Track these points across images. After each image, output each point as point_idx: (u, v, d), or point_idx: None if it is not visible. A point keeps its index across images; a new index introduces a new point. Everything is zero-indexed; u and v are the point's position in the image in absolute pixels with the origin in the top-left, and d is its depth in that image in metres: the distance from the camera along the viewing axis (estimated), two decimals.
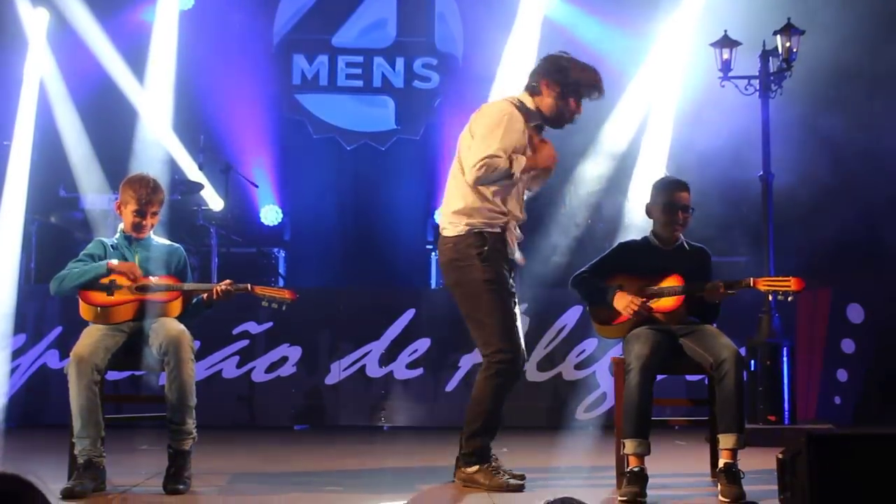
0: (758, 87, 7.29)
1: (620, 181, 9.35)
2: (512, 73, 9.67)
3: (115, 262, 4.98)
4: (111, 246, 5.11)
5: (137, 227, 5.08)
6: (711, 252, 5.25)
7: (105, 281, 4.94)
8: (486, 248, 4.90)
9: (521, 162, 4.83)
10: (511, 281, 5.01)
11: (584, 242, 9.13)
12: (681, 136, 9.22)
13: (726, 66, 7.32)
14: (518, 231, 5.06)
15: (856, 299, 7.95)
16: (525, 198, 5.10)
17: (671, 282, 4.95)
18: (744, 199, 8.82)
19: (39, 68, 9.34)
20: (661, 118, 9.48)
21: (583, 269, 5.18)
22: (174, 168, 9.73)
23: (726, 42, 7.34)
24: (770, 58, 7.27)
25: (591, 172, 9.27)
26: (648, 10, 9.28)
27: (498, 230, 4.95)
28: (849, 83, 8.70)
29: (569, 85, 4.92)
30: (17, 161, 8.98)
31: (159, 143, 9.70)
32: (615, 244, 5.33)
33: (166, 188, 5.43)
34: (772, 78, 7.25)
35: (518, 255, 5.09)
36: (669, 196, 5.08)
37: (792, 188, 8.10)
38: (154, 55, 9.77)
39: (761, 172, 7.27)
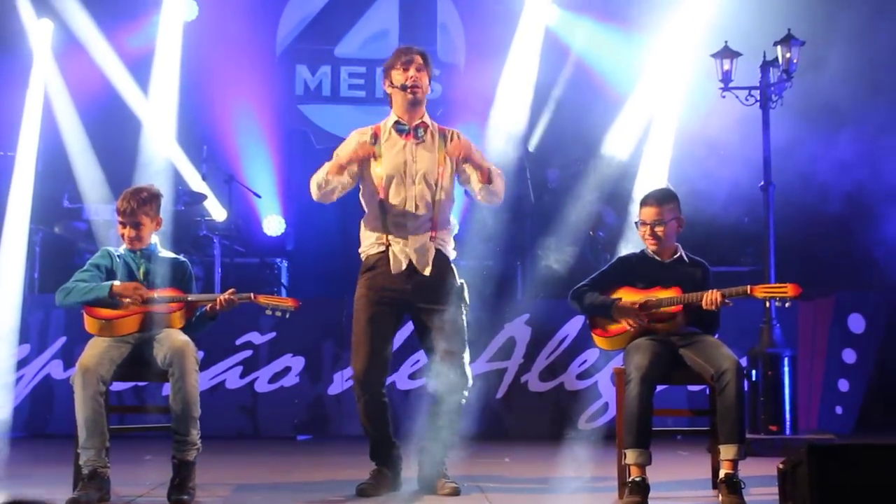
0: (758, 98, 7.32)
1: (622, 191, 9.37)
2: (513, 83, 9.70)
3: (118, 284, 5.00)
4: (117, 256, 5.14)
5: (124, 238, 5.13)
6: (712, 263, 5.28)
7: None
8: (360, 270, 5.13)
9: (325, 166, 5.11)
10: (403, 295, 5.03)
11: (585, 253, 9.15)
12: (682, 146, 9.24)
13: (727, 77, 7.35)
14: (422, 243, 5.04)
15: (857, 309, 7.96)
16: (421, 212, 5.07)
17: (669, 293, 4.98)
18: (745, 210, 8.83)
19: (44, 79, 9.37)
20: (663, 128, 9.49)
21: (582, 283, 5.21)
22: (177, 179, 9.75)
23: (727, 53, 7.37)
24: (770, 68, 7.30)
25: (594, 182, 9.27)
26: (650, 22, 9.30)
27: (373, 252, 5.08)
28: (850, 92, 8.71)
29: (384, 71, 5.22)
30: (22, 172, 9.00)
31: (163, 154, 9.74)
32: (615, 257, 5.36)
33: (169, 199, 5.45)
34: (772, 88, 7.28)
35: (429, 270, 5.06)
36: (639, 211, 5.15)
37: (794, 199, 8.12)
38: (158, 66, 9.79)
39: (762, 183, 7.29)
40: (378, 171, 5.09)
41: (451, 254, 5.19)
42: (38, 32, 9.34)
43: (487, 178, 5.09)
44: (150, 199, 5.12)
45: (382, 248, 5.06)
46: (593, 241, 9.37)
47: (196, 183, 9.80)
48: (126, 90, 9.74)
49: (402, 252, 5.03)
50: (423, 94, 5.13)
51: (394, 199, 5.05)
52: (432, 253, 5.06)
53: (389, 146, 5.12)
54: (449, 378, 5.02)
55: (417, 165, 5.07)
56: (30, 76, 9.29)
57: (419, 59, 5.12)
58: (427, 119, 5.19)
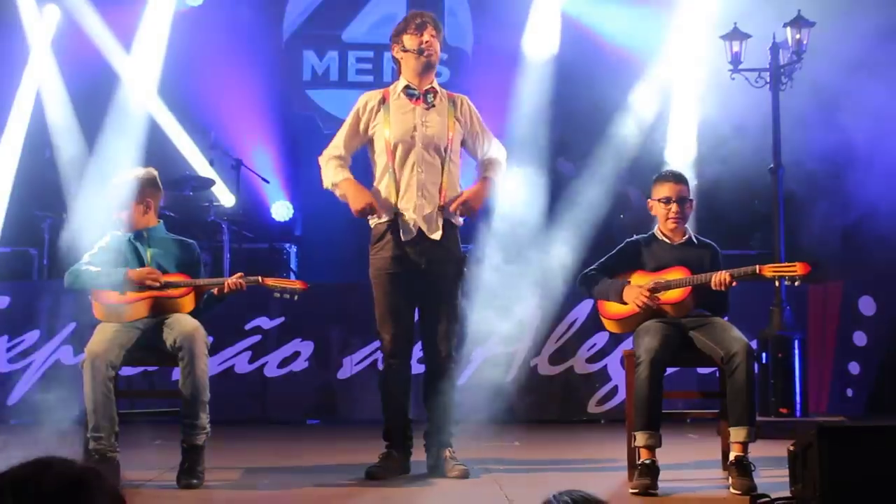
0: (768, 80, 7.27)
1: (644, 173, 9.28)
2: (524, 65, 9.62)
3: (133, 271, 4.99)
4: (125, 240, 5.13)
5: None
6: (722, 246, 5.26)
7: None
8: (371, 240, 5.13)
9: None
10: (421, 262, 5.03)
11: (605, 235, 9.06)
12: (692, 128, 9.18)
13: (736, 59, 7.31)
14: (430, 209, 5.04)
15: (867, 292, 7.93)
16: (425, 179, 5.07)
17: (678, 274, 4.96)
18: (756, 192, 8.79)
19: (45, 65, 9.42)
20: (680, 110, 9.41)
21: (591, 267, 5.20)
22: (185, 165, 9.75)
23: (736, 35, 7.33)
24: (780, 50, 7.26)
25: (610, 166, 9.17)
26: (664, 4, 9.22)
27: (382, 220, 5.07)
28: (859, 73, 8.64)
29: (394, 37, 5.22)
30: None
31: (169, 140, 9.75)
32: (623, 242, 5.33)
33: (166, 184, 5.44)
34: (782, 70, 7.23)
35: (436, 235, 5.06)
36: (659, 189, 5.11)
37: (804, 181, 8.08)
38: (161, 52, 9.77)
39: (772, 165, 7.25)
40: (386, 135, 5.09)
41: (460, 222, 5.20)
42: (43, 19, 9.37)
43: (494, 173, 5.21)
44: (134, 185, 5.12)
45: (391, 217, 5.05)
46: (617, 223, 9.27)
47: (204, 169, 9.80)
48: (131, 75, 9.69)
49: (410, 219, 5.03)
50: (436, 58, 5.14)
51: (401, 165, 5.05)
52: (441, 221, 5.06)
53: (398, 111, 5.12)
54: (445, 356, 5.06)
55: (426, 131, 5.07)
56: (28, 63, 9.39)
57: (432, 23, 5.13)
58: (436, 85, 5.19)
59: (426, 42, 5.08)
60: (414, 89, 5.14)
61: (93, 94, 9.46)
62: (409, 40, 5.12)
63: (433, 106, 5.13)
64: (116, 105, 9.24)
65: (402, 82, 5.18)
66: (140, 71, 9.57)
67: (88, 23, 9.55)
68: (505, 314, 7.67)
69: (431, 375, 5.13)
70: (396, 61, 5.25)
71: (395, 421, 5.14)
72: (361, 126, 5.20)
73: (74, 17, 9.53)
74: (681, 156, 9.04)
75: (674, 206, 5.07)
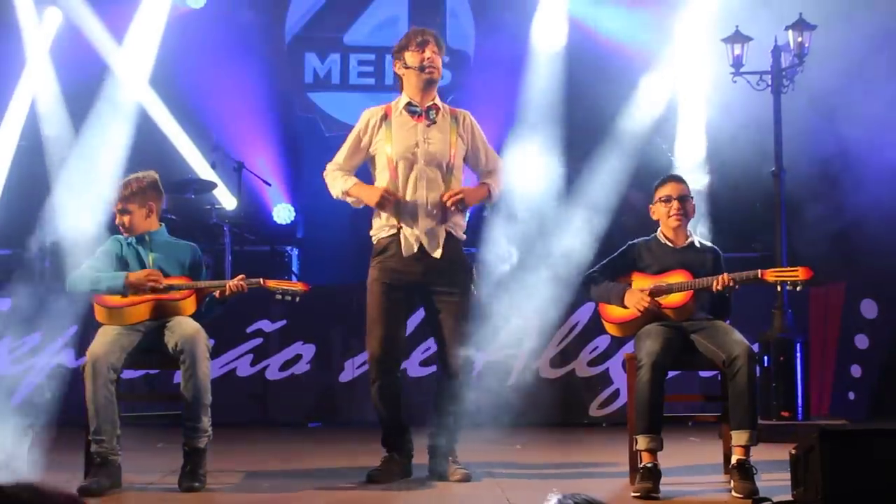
0: (770, 83, 7.27)
1: (647, 176, 9.25)
2: (528, 68, 9.62)
3: (132, 274, 5.00)
4: (126, 244, 5.14)
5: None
6: (724, 248, 5.26)
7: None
8: (372, 254, 5.14)
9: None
10: (421, 277, 5.04)
11: (607, 238, 9.04)
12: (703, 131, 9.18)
13: (738, 62, 7.31)
14: (432, 224, 5.04)
15: (869, 294, 7.92)
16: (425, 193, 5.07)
17: (679, 277, 4.97)
18: (757, 196, 8.78)
19: (42, 67, 9.44)
20: (686, 113, 9.39)
21: (592, 269, 5.21)
22: (187, 168, 9.75)
23: (738, 38, 7.33)
24: (782, 53, 7.26)
25: (614, 166, 9.16)
26: (668, 6, 9.21)
27: (384, 235, 5.08)
28: (860, 76, 8.64)
29: (396, 53, 5.25)
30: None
31: (171, 143, 9.75)
32: (626, 244, 5.33)
33: (168, 186, 5.45)
34: (784, 73, 7.23)
35: (437, 253, 5.06)
36: (660, 191, 5.12)
37: (805, 184, 8.07)
38: (155, 46, 9.77)
39: (774, 168, 7.25)
40: (388, 152, 5.09)
41: (463, 237, 5.19)
42: (44, 22, 9.39)
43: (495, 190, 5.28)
44: (137, 190, 5.11)
45: (393, 231, 5.06)
46: (621, 226, 9.25)
47: (205, 171, 9.81)
48: (132, 77, 9.70)
49: (412, 235, 5.02)
50: (438, 74, 5.15)
51: (403, 181, 5.05)
52: (443, 236, 5.05)
53: (400, 127, 5.12)
54: (456, 363, 5.03)
55: (429, 147, 5.07)
56: (26, 63, 9.44)
57: (433, 41, 5.14)
58: (438, 101, 5.20)
59: (428, 59, 5.10)
60: (416, 106, 5.14)
61: (89, 96, 9.47)
62: (410, 57, 5.14)
63: (435, 122, 5.13)
64: (111, 101, 9.26)
65: (403, 99, 5.19)
66: (132, 64, 9.57)
67: (87, 25, 9.56)
68: (506, 317, 7.68)
69: (441, 382, 5.14)
70: (398, 77, 5.25)
71: (392, 430, 5.15)
72: (363, 143, 5.21)
73: (72, 18, 9.54)
74: (689, 158, 9.04)
75: (675, 204, 5.08)
